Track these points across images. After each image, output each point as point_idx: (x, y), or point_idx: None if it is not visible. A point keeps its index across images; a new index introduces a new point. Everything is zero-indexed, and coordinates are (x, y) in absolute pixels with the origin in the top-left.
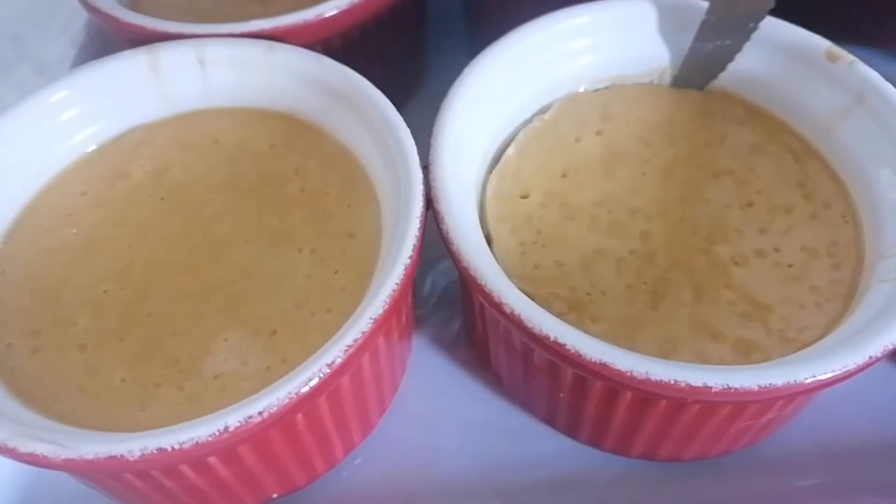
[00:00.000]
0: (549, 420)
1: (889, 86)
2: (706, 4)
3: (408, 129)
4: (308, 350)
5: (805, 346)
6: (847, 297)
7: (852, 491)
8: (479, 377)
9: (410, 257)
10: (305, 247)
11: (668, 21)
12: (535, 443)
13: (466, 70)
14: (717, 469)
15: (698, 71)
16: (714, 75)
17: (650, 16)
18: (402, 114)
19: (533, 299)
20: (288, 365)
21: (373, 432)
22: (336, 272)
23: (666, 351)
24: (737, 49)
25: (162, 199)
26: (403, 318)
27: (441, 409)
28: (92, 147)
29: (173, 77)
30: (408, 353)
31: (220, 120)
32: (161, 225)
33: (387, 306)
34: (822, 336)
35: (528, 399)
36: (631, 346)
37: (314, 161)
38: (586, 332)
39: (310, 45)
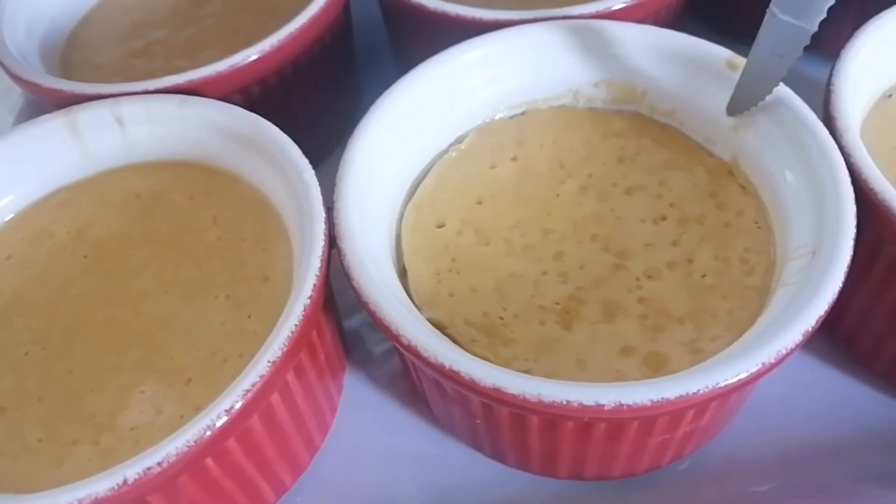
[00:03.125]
0: (476, 446)
1: (786, 89)
2: (608, 24)
3: (312, 171)
4: (218, 396)
5: (715, 355)
6: (758, 303)
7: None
8: (413, 409)
9: (310, 297)
10: (221, 293)
11: (576, 43)
12: (466, 471)
13: (372, 108)
14: (657, 482)
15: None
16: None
17: (557, 40)
18: (337, 150)
19: (445, 327)
20: (200, 412)
21: (306, 472)
22: (249, 316)
23: (579, 370)
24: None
25: (85, 256)
26: (321, 356)
27: (375, 444)
28: (10, 215)
29: (92, 136)
30: (337, 391)
31: (139, 175)
32: (83, 282)
33: (285, 348)
34: (731, 344)
35: (454, 427)
36: (543, 367)
37: (231, 209)
38: (498, 355)
39: (228, 96)
